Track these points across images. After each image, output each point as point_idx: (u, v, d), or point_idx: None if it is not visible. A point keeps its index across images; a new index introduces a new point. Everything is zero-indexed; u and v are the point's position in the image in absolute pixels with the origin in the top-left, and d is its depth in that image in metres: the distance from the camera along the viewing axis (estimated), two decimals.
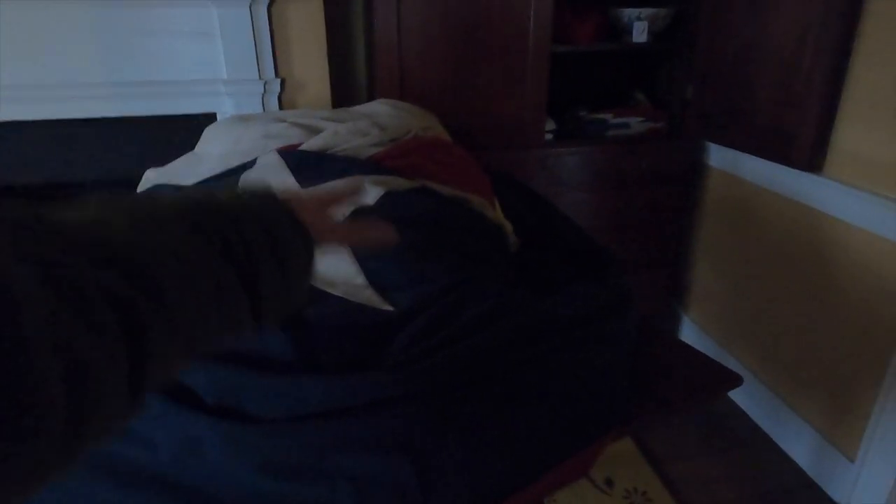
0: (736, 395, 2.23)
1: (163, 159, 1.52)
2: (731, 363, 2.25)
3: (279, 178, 1.12)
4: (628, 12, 2.10)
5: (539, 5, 1.93)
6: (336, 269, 0.98)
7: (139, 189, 1.49)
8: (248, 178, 1.15)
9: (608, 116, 2.23)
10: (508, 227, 1.31)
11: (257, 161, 1.21)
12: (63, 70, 1.78)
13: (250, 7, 1.80)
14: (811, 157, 1.75)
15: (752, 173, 2.07)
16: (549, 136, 2.18)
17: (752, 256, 2.13)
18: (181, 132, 1.93)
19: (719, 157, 2.24)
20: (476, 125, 2.04)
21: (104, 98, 1.83)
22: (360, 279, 0.97)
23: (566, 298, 1.04)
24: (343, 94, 2.22)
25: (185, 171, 1.39)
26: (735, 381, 1.16)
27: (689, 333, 2.52)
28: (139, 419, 0.82)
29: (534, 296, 1.05)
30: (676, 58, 2.24)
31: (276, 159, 1.17)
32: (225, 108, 1.91)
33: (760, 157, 1.93)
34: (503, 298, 0.98)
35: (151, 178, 1.48)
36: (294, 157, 1.17)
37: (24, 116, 1.83)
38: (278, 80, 1.92)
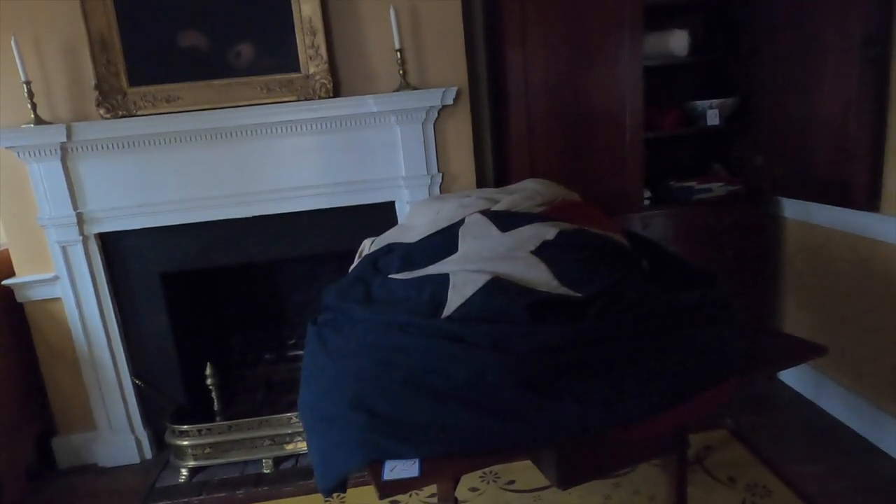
0: (835, 409, 2.55)
1: (358, 235, 2.17)
2: (828, 384, 2.58)
3: (486, 229, 1.73)
4: (701, 104, 2.70)
5: (632, 105, 2.56)
6: (537, 276, 1.55)
7: (359, 251, 2.12)
8: (466, 230, 1.76)
9: (693, 184, 2.77)
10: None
11: (465, 220, 1.82)
12: (294, 178, 2.55)
13: (422, 125, 2.53)
14: (868, 198, 2.21)
15: (822, 219, 2.52)
16: (647, 202, 2.73)
17: (832, 289, 2.53)
18: (369, 216, 2.63)
19: (792, 209, 2.70)
20: (590, 196, 2.61)
21: (322, 195, 2.57)
22: (555, 282, 1.53)
23: (687, 294, 1.56)
24: (478, 181, 2.88)
25: (398, 235, 2.02)
26: (821, 350, 1.58)
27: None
28: (440, 360, 1.37)
29: (665, 293, 1.57)
30: (745, 134, 2.79)
31: (480, 217, 1.79)
32: (402, 197, 2.60)
33: (825, 203, 2.40)
34: (647, 291, 1.51)
35: (367, 244, 2.12)
36: (493, 214, 1.78)
37: (266, 212, 2.58)
38: (440, 174, 2.61)
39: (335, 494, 1.44)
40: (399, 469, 1.26)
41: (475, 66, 2.93)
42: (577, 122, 2.59)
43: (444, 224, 1.90)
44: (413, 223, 2.08)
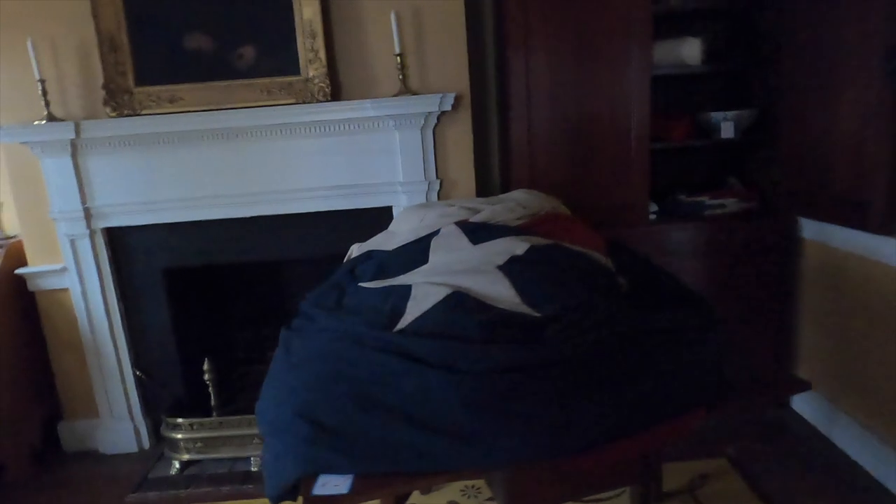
0: (847, 445, 2.38)
1: (355, 239, 2.16)
2: (842, 418, 2.42)
3: (458, 241, 1.69)
4: (715, 115, 2.57)
5: (638, 113, 2.47)
6: (499, 292, 1.50)
7: (347, 256, 2.11)
8: (438, 241, 1.72)
9: (705, 198, 2.65)
10: (619, 276, 1.77)
11: (440, 231, 1.79)
12: (294, 180, 2.56)
13: (421, 131, 2.50)
14: (884, 221, 2.05)
15: (839, 241, 2.36)
16: (653, 216, 2.63)
17: (849, 316, 2.37)
18: (367, 220, 2.62)
19: (811, 229, 2.55)
20: (592, 208, 2.53)
21: (320, 198, 2.58)
22: (517, 299, 1.48)
23: (661, 315, 1.48)
24: (484, 187, 2.84)
25: (382, 242, 2.00)
26: (803, 385, 1.47)
27: (801, 395, 2.69)
28: (388, 374, 1.34)
29: (640, 314, 1.49)
30: (763, 148, 2.65)
31: (454, 229, 1.75)
32: (400, 202, 2.58)
33: (841, 225, 2.25)
34: (613, 311, 1.44)
35: (355, 249, 2.10)
36: (467, 227, 1.74)
37: (265, 212, 2.61)
38: (438, 181, 2.58)
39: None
40: (331, 485, 1.24)
41: (484, 70, 2.89)
42: (581, 130, 2.51)
43: (425, 232, 1.87)
44: (398, 229, 2.06)
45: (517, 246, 1.61)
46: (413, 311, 1.48)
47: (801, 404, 2.69)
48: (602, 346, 1.37)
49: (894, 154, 2.01)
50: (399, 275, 1.69)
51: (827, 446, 2.46)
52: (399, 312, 1.50)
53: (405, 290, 1.56)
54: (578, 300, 1.46)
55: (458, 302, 1.45)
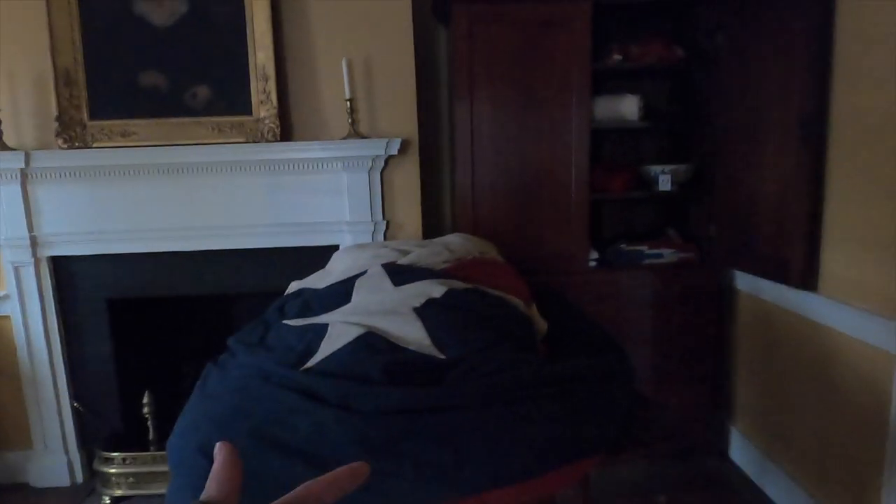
0: (778, 497, 2.41)
1: (301, 275, 2.20)
2: (772, 469, 2.45)
3: (381, 282, 1.74)
4: (654, 168, 2.68)
5: (578, 165, 2.56)
6: (411, 334, 1.53)
7: (286, 292, 2.15)
8: (362, 282, 1.77)
9: (644, 248, 2.73)
10: (540, 321, 1.82)
11: (367, 271, 1.83)
12: (243, 216, 2.60)
13: (369, 173, 2.58)
14: (804, 278, 2.13)
15: (769, 294, 2.44)
16: (593, 264, 2.70)
17: (778, 368, 2.43)
18: (314, 257, 2.66)
19: (745, 282, 2.63)
20: (533, 255, 2.61)
21: (268, 234, 2.62)
22: (427, 340, 1.51)
23: (567, 363, 1.52)
24: (433, 230, 2.89)
25: (318, 280, 2.04)
26: (718, 447, 1.51)
27: (737, 444, 2.72)
28: (288, 413, 1.36)
29: (544, 361, 1.53)
30: (699, 201, 2.75)
31: (379, 270, 1.80)
32: (346, 241, 2.63)
33: (767, 279, 2.33)
34: (517, 357, 1.48)
35: (294, 286, 2.14)
36: (392, 269, 1.79)
37: (213, 247, 2.64)
38: (384, 222, 2.64)
39: None
40: None
41: (439, 117, 2.99)
42: (523, 179, 2.60)
43: (354, 272, 1.91)
44: (333, 268, 2.10)
45: (435, 289, 1.66)
46: (325, 349, 1.51)
47: (738, 455, 2.72)
48: (501, 391, 1.40)
49: (811, 214, 2.11)
50: (322, 313, 1.72)
51: (758, 497, 2.48)
52: (312, 351, 1.53)
53: (322, 329, 1.59)
54: (480, 345, 1.50)
55: (368, 343, 1.48)
